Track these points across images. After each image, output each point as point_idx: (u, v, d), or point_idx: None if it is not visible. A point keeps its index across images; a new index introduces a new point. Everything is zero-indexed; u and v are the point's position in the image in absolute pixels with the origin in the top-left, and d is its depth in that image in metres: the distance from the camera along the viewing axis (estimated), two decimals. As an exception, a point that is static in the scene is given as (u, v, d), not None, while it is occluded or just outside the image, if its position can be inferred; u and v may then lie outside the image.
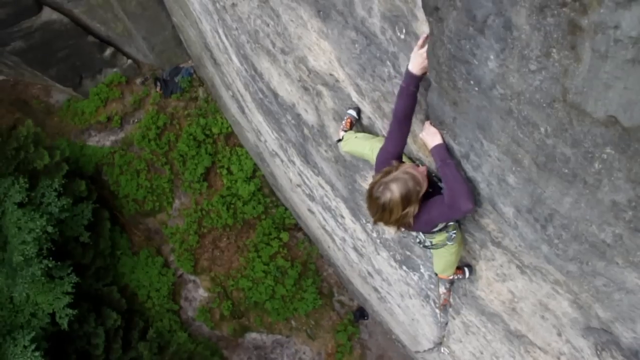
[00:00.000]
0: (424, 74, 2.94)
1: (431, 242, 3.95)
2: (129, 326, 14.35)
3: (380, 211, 3.28)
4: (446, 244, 3.94)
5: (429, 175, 3.45)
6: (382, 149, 3.58)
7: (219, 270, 15.61)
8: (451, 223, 3.73)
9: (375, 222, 3.47)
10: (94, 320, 13.24)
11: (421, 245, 4.13)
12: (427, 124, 3.21)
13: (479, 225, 3.55)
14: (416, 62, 2.89)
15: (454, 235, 3.84)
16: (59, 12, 13.18)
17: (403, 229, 3.55)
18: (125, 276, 15.24)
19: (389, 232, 3.73)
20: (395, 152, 3.50)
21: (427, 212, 3.34)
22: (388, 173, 3.26)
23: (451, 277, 4.60)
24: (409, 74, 2.99)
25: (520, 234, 2.96)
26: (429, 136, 3.20)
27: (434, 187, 3.42)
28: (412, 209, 3.25)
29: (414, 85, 3.05)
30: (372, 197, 3.30)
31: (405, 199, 3.19)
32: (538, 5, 1.80)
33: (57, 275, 12.44)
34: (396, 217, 3.27)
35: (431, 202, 3.34)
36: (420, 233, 3.90)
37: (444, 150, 3.14)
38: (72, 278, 12.46)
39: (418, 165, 3.47)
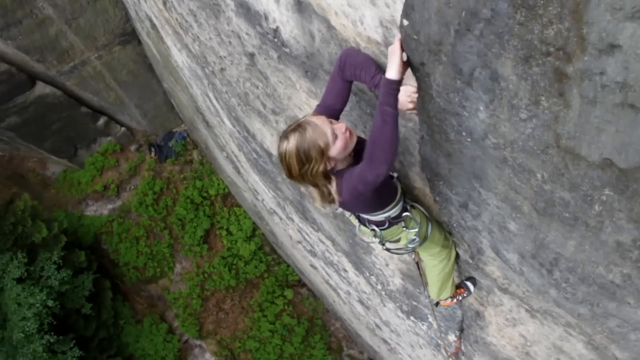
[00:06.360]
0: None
1: (395, 246, 3.45)
2: (135, 398, 14.03)
3: (280, 162, 2.79)
4: (408, 247, 3.45)
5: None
6: (317, 105, 3.01)
7: (224, 332, 15.34)
8: (404, 215, 3.25)
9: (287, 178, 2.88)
10: (99, 394, 12.94)
11: (383, 247, 3.54)
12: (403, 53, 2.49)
13: (484, 272, 3.51)
14: (404, 98, 2.70)
15: (415, 238, 3.36)
16: (52, 85, 13.37)
17: (331, 203, 2.95)
18: (130, 346, 14.96)
19: (317, 204, 3.04)
20: (331, 104, 2.95)
21: (349, 178, 2.79)
22: (295, 123, 2.77)
23: (454, 300, 4.09)
24: (390, 99, 2.49)
25: (527, 280, 2.92)
26: (391, 60, 2.49)
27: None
28: (316, 166, 2.72)
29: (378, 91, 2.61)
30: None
31: (303, 152, 2.67)
32: (523, 56, 1.82)
33: (60, 350, 12.23)
34: (296, 172, 2.75)
35: (355, 167, 2.79)
36: (377, 230, 3.31)
37: (393, 93, 2.49)
38: (75, 352, 12.27)
39: (338, 121, 2.86)
